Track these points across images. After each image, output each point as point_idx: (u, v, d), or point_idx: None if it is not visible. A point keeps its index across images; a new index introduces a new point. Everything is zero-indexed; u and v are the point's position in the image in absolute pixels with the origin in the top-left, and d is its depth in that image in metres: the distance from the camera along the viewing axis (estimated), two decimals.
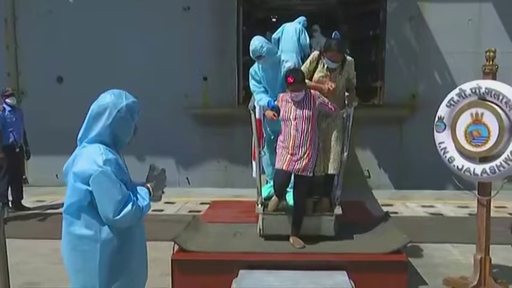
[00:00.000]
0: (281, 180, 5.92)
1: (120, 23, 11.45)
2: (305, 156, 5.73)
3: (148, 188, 3.27)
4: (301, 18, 7.01)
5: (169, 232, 6.07)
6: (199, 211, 8.80)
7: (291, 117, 5.77)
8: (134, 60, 11.33)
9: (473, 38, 10.87)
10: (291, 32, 6.58)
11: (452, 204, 9.99)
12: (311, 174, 5.88)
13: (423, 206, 10.02)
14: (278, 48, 7.18)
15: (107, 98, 3.16)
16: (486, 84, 5.36)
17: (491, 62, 5.51)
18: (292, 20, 7.23)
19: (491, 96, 5.27)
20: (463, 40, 10.90)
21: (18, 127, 9.44)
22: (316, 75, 6.14)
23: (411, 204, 10.17)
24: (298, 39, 6.61)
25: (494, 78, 5.48)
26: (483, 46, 6.63)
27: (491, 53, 5.52)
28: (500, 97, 5.19)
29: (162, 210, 9.30)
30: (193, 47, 11.34)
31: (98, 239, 3.07)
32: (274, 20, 13.01)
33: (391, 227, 6.42)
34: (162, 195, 3.39)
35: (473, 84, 5.43)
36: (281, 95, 6.02)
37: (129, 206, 3.02)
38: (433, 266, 6.52)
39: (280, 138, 5.92)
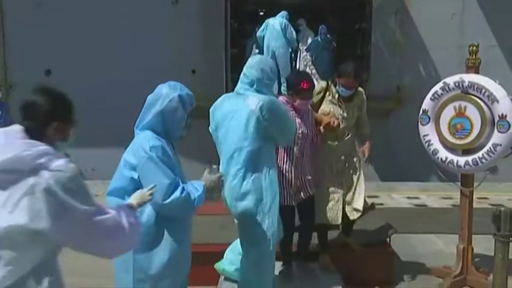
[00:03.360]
0: (289, 219, 4.82)
1: (108, 16, 11.42)
2: (307, 180, 4.86)
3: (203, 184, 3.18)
4: (284, 13, 6.99)
5: None
6: None
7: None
8: (123, 54, 11.31)
9: (457, 32, 10.99)
10: (276, 26, 6.57)
11: (436, 196, 10.08)
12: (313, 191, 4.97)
13: (408, 198, 10.10)
14: (263, 44, 7.16)
15: (162, 88, 3.24)
16: (469, 78, 5.43)
17: (474, 56, 5.57)
18: (276, 14, 7.23)
19: (474, 89, 5.35)
20: (447, 34, 11.02)
21: (5, 120, 9.42)
22: (325, 106, 5.13)
23: (396, 196, 10.24)
24: (285, 34, 6.59)
25: (477, 72, 5.56)
26: (466, 40, 6.73)
27: (474, 47, 5.58)
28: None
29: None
30: (182, 40, 11.34)
31: None
32: (261, 13, 13.05)
33: (377, 218, 6.52)
34: (217, 198, 3.34)
35: (456, 78, 5.51)
36: (282, 98, 4.91)
37: (178, 192, 2.98)
38: (417, 256, 6.60)
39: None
